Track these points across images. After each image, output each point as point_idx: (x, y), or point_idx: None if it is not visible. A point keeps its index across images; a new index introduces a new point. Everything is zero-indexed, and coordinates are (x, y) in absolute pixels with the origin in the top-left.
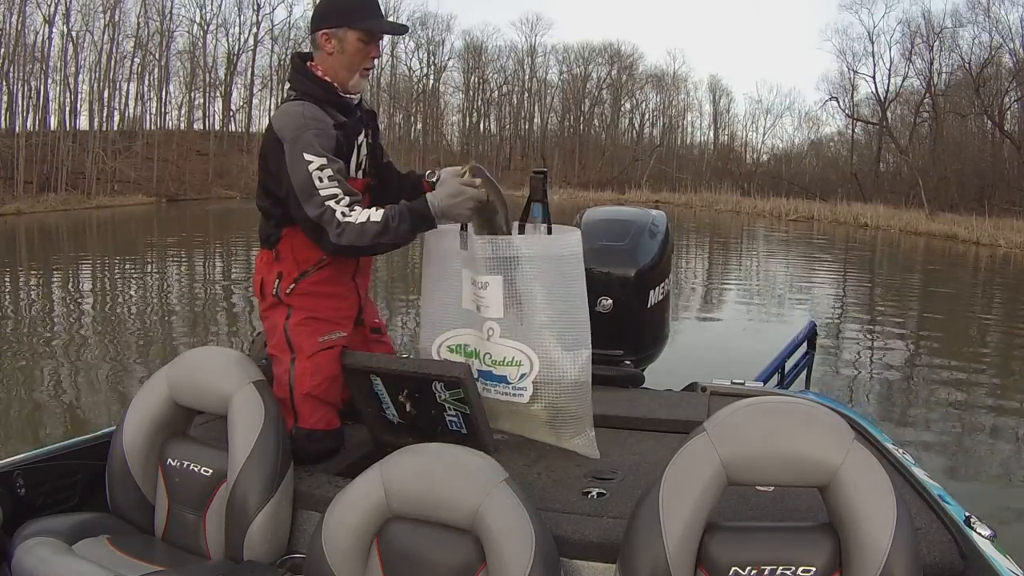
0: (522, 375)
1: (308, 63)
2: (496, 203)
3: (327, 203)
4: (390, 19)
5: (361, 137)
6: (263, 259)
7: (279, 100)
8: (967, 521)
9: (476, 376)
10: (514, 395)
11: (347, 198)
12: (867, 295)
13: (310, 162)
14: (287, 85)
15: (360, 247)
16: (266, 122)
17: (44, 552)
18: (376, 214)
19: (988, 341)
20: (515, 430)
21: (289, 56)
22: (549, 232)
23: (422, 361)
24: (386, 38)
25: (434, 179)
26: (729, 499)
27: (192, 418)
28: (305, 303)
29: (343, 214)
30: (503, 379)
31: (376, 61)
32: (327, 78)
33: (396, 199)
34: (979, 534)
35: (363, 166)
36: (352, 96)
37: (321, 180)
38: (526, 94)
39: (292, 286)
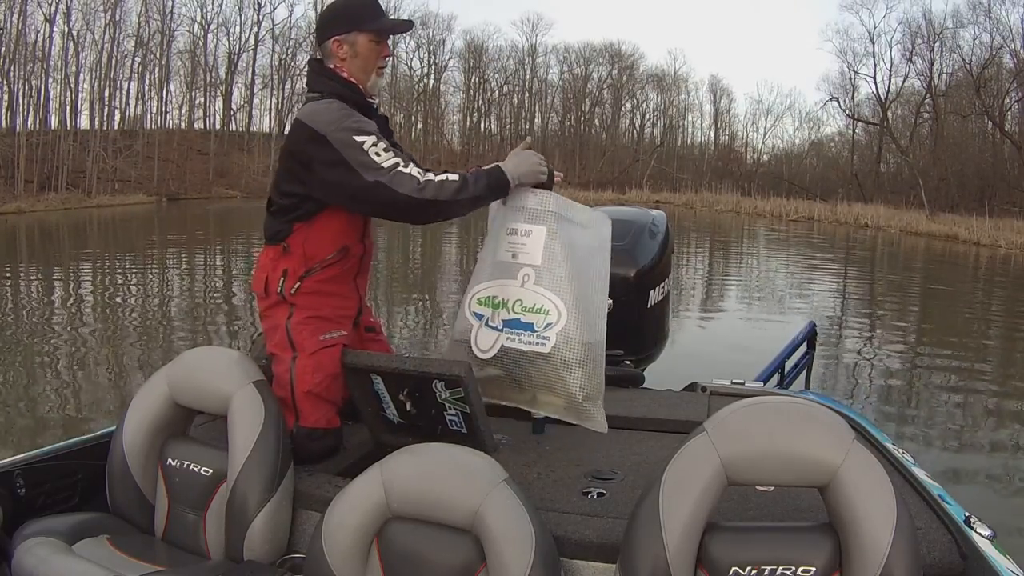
0: (548, 324)
1: (328, 63)
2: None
3: (393, 169)
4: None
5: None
6: (269, 255)
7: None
8: (967, 521)
9: (501, 327)
10: (537, 344)
11: (412, 164)
12: (867, 295)
13: (363, 142)
14: (306, 88)
15: (440, 202)
16: (267, 122)
17: (44, 552)
18: (452, 174)
19: (989, 342)
20: (525, 396)
21: (290, 55)
22: None
23: (422, 359)
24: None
25: None
26: (729, 499)
27: (192, 418)
28: (308, 302)
29: (420, 172)
30: (529, 327)
31: (389, 59)
32: (346, 73)
33: None
34: (979, 534)
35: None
36: (373, 98)
37: (379, 154)
38: (527, 94)
39: (297, 284)
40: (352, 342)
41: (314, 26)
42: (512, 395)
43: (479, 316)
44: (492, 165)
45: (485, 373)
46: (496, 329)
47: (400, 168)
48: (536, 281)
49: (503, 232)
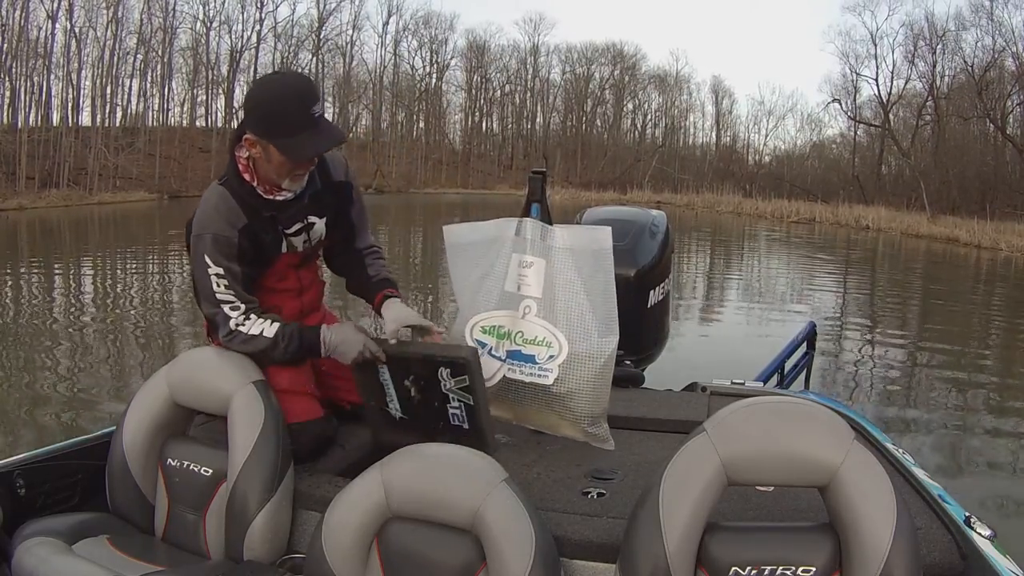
0: (550, 356)
1: (238, 148)
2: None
3: (222, 306)
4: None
5: (312, 218)
6: None
7: None
8: (967, 521)
9: (504, 357)
10: (539, 376)
11: (243, 306)
12: (867, 296)
13: (208, 266)
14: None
15: (245, 354)
16: None
17: (44, 552)
18: (270, 329)
19: (989, 343)
20: (531, 420)
21: (292, 53)
22: None
23: (430, 344)
24: (389, 34)
25: (391, 298)
26: (729, 499)
27: (192, 418)
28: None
29: (237, 322)
30: (531, 359)
31: (311, 167)
32: (249, 178)
33: (356, 290)
34: (979, 534)
35: (307, 243)
36: (283, 192)
37: (218, 286)
38: (528, 94)
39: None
40: None
41: (316, 24)
42: (517, 415)
43: (482, 344)
44: (313, 329)
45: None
46: (499, 359)
47: (225, 309)
48: (537, 313)
49: (514, 263)
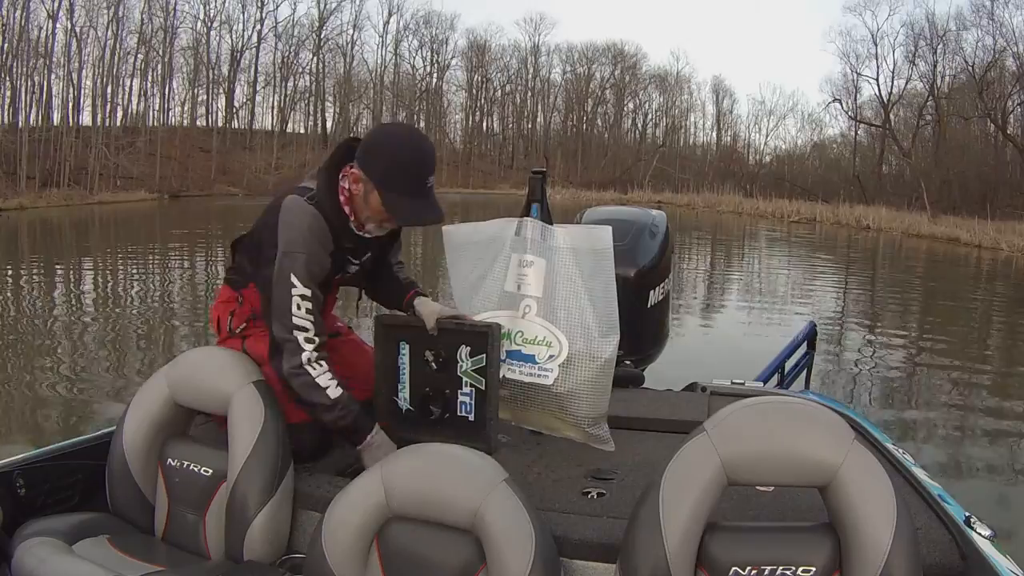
0: (550, 356)
1: (342, 174)
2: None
3: (296, 334)
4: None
5: (371, 252)
6: (223, 297)
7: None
8: (967, 521)
9: (504, 357)
10: (539, 376)
11: (317, 340)
12: (867, 296)
13: (295, 286)
14: (319, 170)
15: (298, 396)
16: (269, 119)
17: (44, 552)
18: (335, 390)
19: (989, 342)
20: (531, 420)
21: (293, 52)
22: None
23: (456, 317)
24: (390, 34)
25: (421, 296)
26: (729, 499)
27: (192, 418)
28: (258, 332)
29: (309, 359)
30: (531, 359)
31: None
32: (348, 211)
33: (385, 297)
34: (979, 534)
35: (358, 271)
36: (364, 233)
37: (299, 308)
38: (529, 93)
39: (244, 324)
40: None
41: (316, 24)
42: (516, 416)
43: None
44: (369, 422)
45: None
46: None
47: (300, 337)
48: (537, 313)
49: (513, 262)
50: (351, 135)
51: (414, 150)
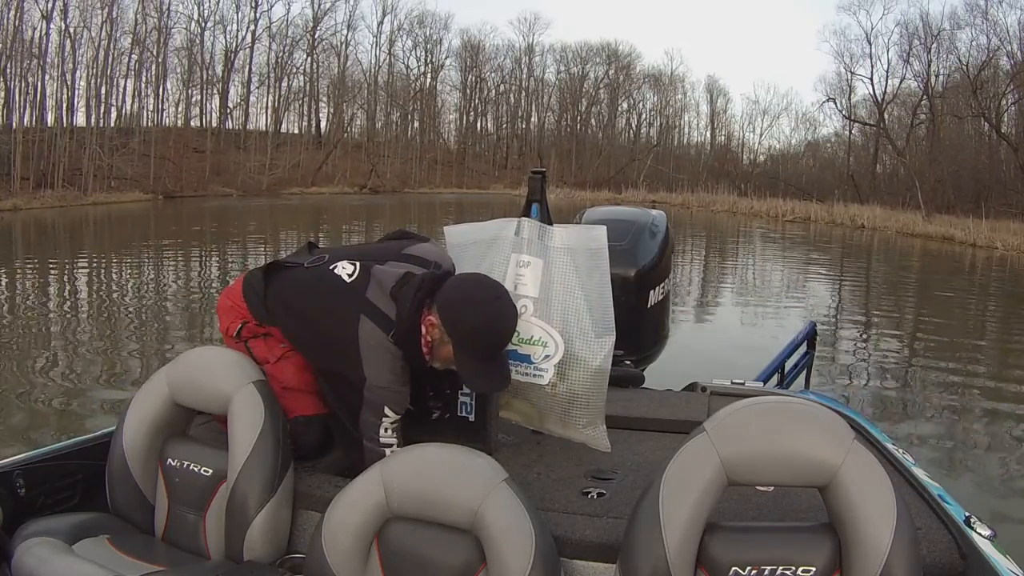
0: (546, 356)
1: (423, 320)
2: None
3: (377, 442)
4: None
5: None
6: (231, 300)
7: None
8: (967, 521)
9: None
10: (534, 376)
11: (395, 444)
12: (864, 296)
13: (387, 416)
14: (396, 284)
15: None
16: (263, 119)
17: (44, 552)
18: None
19: (987, 342)
20: (526, 419)
21: (287, 53)
22: None
23: None
24: (384, 34)
25: None
26: (729, 499)
27: (192, 418)
28: (261, 338)
29: (385, 442)
30: (526, 358)
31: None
32: (428, 357)
33: None
34: (979, 534)
35: None
36: (431, 364)
37: (387, 430)
38: (523, 93)
39: (251, 336)
40: None
41: (310, 24)
42: (516, 412)
43: None
44: None
45: None
46: None
47: (385, 446)
48: (533, 313)
49: (512, 263)
50: (344, 134)
51: (498, 319)
